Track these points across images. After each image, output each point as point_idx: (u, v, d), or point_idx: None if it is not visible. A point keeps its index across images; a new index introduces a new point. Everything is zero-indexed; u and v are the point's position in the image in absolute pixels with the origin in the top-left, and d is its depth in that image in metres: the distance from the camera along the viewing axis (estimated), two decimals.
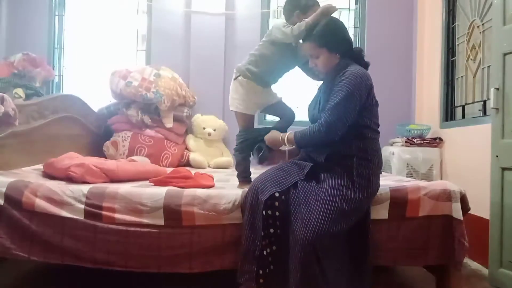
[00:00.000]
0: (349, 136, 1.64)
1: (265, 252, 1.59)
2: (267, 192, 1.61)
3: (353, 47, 1.78)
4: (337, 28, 1.73)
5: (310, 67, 1.80)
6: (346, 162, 1.63)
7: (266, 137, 1.88)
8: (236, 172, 2.12)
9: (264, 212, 1.59)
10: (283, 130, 1.99)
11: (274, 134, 1.87)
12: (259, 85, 2.01)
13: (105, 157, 2.89)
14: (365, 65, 1.76)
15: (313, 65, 1.77)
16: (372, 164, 1.66)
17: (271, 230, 1.60)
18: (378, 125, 1.74)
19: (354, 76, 1.61)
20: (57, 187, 1.78)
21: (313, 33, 1.72)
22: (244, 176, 2.07)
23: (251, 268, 1.60)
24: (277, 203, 1.60)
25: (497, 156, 2.05)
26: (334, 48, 1.70)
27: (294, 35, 1.83)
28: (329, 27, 1.72)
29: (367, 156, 1.65)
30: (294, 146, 1.84)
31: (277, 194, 1.61)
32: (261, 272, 1.59)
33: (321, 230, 1.48)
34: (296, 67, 2.09)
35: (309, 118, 1.85)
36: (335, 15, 1.84)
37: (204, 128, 3.43)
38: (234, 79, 2.05)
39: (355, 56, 1.75)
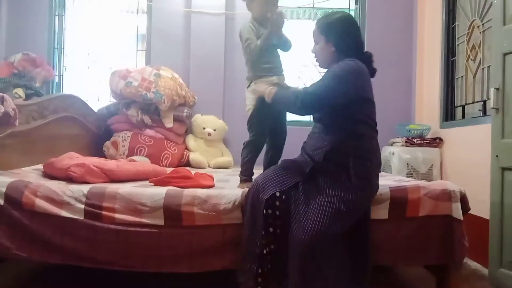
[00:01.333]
0: (345, 134, 1.63)
1: (264, 251, 1.59)
2: (268, 191, 1.61)
3: (364, 51, 1.75)
4: (343, 24, 1.73)
5: (312, 52, 1.82)
6: (343, 162, 1.61)
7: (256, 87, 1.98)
8: (238, 170, 2.14)
9: (264, 211, 1.59)
10: (275, 162, 2.06)
11: (261, 87, 1.94)
12: (271, 74, 2.09)
13: (105, 157, 2.89)
14: (372, 71, 1.74)
15: (314, 51, 1.79)
16: (370, 163, 1.65)
17: (271, 229, 1.59)
18: (375, 123, 1.72)
19: (346, 64, 1.62)
20: (57, 187, 1.78)
21: (321, 20, 1.76)
22: (246, 175, 2.09)
23: (251, 267, 1.60)
24: (277, 203, 1.60)
25: (497, 156, 2.05)
26: (331, 39, 1.70)
27: (248, 53, 2.09)
28: (336, 21, 1.73)
29: (364, 155, 1.64)
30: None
31: (278, 194, 1.60)
32: (260, 271, 1.59)
33: (319, 232, 1.48)
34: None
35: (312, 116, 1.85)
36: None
37: (204, 128, 3.43)
38: (248, 88, 2.13)
39: (363, 59, 1.71)
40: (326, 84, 1.62)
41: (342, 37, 1.71)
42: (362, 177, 1.61)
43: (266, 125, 2.10)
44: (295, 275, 1.50)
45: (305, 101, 1.63)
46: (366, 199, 1.66)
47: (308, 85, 1.79)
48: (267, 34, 2.04)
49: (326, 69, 1.75)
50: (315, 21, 1.80)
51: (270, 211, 1.59)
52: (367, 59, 1.72)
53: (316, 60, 1.80)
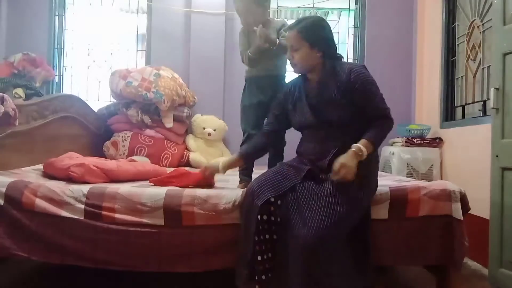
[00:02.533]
0: (357, 135, 1.62)
1: (260, 258, 1.56)
2: (262, 197, 1.59)
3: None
4: (325, 27, 1.72)
5: (287, 57, 1.77)
6: None
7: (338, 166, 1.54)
8: (238, 170, 2.13)
9: (259, 217, 1.57)
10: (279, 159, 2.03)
11: (348, 160, 1.54)
12: (269, 73, 2.13)
13: (105, 157, 2.89)
14: None
15: (290, 57, 1.73)
16: (369, 161, 1.64)
17: (267, 236, 1.58)
18: None
19: (364, 68, 1.66)
20: (57, 187, 1.78)
21: (299, 24, 1.69)
22: (245, 174, 2.09)
23: (246, 272, 1.58)
24: (272, 208, 1.58)
25: (497, 156, 2.05)
26: (316, 44, 1.67)
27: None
28: (317, 24, 1.71)
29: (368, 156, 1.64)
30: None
31: (272, 199, 1.59)
32: (256, 278, 1.56)
33: (324, 233, 1.46)
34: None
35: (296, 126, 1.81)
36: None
37: (204, 128, 3.43)
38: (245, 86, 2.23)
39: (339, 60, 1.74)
40: (381, 94, 1.68)
41: (327, 41, 1.71)
42: (364, 175, 1.61)
43: (254, 118, 2.10)
44: (298, 278, 1.48)
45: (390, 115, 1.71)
46: (368, 197, 1.66)
47: None
48: (255, 47, 2.03)
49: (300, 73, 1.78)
50: (289, 25, 1.76)
51: (265, 217, 1.57)
52: (340, 60, 1.76)
53: (294, 65, 1.74)
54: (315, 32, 1.68)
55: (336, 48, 1.76)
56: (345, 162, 1.53)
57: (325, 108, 1.67)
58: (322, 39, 1.69)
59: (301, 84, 1.78)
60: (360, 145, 1.56)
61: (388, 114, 1.68)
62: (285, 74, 2.20)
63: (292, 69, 1.79)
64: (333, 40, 1.74)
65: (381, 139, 1.68)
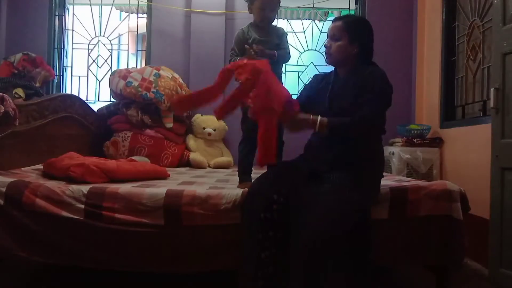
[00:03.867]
0: (361, 138, 1.63)
1: (263, 255, 1.56)
2: (265, 195, 1.59)
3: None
4: (368, 27, 1.75)
5: (324, 45, 1.80)
6: (352, 164, 1.61)
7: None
8: (237, 172, 2.13)
9: (262, 215, 1.57)
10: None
11: (300, 115, 1.64)
12: None
13: (105, 157, 2.89)
14: None
15: (328, 45, 1.75)
16: (377, 165, 1.66)
17: (270, 233, 1.57)
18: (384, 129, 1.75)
19: (386, 78, 1.67)
20: (57, 187, 1.78)
21: (346, 18, 1.75)
22: (244, 174, 2.08)
23: (249, 271, 1.58)
24: (275, 206, 1.58)
25: (497, 156, 2.05)
26: (356, 39, 1.69)
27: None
28: (362, 22, 1.76)
29: (375, 156, 1.66)
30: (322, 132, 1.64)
31: (275, 197, 1.59)
32: (259, 274, 1.57)
33: (325, 232, 1.45)
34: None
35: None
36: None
37: (204, 128, 3.43)
38: None
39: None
40: (379, 103, 1.64)
41: (366, 39, 1.72)
42: (369, 179, 1.62)
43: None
44: (299, 276, 1.47)
45: (369, 121, 1.61)
46: (371, 200, 1.66)
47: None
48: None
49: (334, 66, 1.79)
50: (336, 17, 1.80)
51: (268, 215, 1.57)
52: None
53: (329, 55, 1.76)
54: (358, 28, 1.71)
55: (372, 52, 1.76)
56: (299, 119, 1.61)
57: (340, 102, 1.68)
58: (362, 36, 1.71)
59: (330, 76, 1.82)
60: (318, 116, 1.59)
61: (366, 120, 1.57)
62: (281, 75, 2.21)
63: (326, 59, 1.80)
64: (372, 44, 1.75)
65: (339, 129, 1.61)
